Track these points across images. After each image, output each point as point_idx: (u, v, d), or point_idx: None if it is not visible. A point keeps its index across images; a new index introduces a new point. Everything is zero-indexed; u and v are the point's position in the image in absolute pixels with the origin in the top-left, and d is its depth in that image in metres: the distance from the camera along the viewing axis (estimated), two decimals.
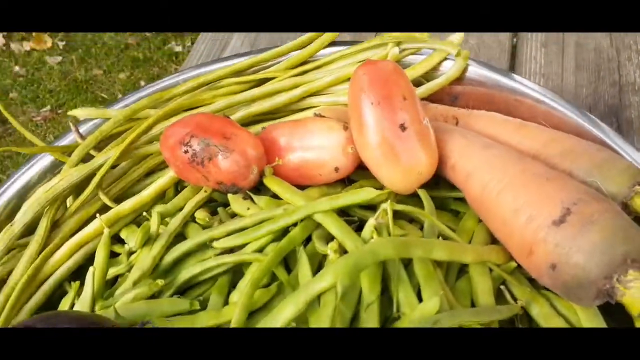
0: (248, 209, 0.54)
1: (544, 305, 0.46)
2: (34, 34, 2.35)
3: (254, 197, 0.54)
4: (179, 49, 2.25)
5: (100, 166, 0.59)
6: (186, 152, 0.54)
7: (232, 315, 0.43)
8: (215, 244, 0.51)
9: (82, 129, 0.67)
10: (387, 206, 0.45)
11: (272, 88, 0.63)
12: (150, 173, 0.64)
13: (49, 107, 2.15)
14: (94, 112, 0.65)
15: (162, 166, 0.64)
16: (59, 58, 2.30)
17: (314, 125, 0.55)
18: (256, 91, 0.63)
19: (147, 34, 2.32)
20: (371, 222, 0.46)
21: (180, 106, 0.63)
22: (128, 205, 0.59)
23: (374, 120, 0.50)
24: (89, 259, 0.56)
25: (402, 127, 0.50)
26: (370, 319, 0.42)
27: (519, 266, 0.47)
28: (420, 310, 0.41)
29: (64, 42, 2.35)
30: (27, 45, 2.33)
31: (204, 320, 0.44)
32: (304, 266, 0.46)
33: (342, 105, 0.62)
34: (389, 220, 0.45)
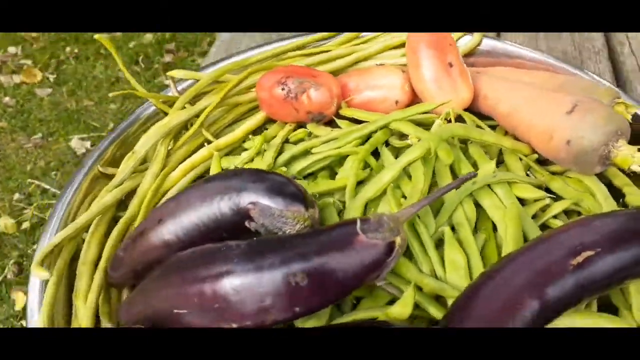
0: (332, 130, 0.70)
1: (559, 181, 0.64)
2: (24, 67, 2.45)
3: (337, 120, 0.71)
4: (168, 82, 2.40)
5: (202, 110, 0.74)
6: (283, 89, 0.71)
7: (346, 181, 0.59)
8: (314, 150, 0.66)
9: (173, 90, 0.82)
10: (449, 110, 0.64)
11: (332, 54, 0.81)
12: (237, 121, 0.79)
13: (40, 134, 2.22)
14: (189, 74, 0.80)
15: (247, 115, 0.79)
16: (49, 90, 2.39)
17: (377, 70, 0.73)
18: (319, 57, 0.81)
19: (137, 68, 2.46)
20: (438, 122, 0.64)
21: (261, 68, 0.79)
22: (224, 140, 0.74)
23: (428, 59, 0.69)
24: (199, 178, 0.71)
25: (450, 65, 0.69)
26: (444, 178, 0.59)
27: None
28: (482, 171, 0.59)
29: (54, 75, 2.45)
30: (17, 79, 2.41)
31: (324, 185, 0.60)
32: (387, 155, 0.63)
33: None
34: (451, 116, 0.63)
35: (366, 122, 0.68)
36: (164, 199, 0.66)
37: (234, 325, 0.44)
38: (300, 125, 0.75)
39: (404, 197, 0.59)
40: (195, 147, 0.75)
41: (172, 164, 0.71)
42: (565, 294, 0.43)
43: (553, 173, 0.66)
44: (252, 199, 0.49)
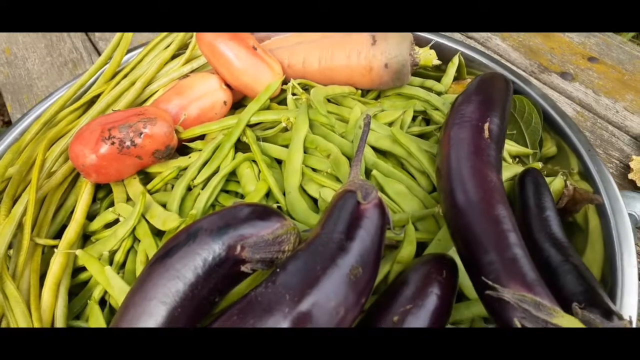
0: (189, 156, 0.64)
1: (386, 101, 0.74)
2: None
3: (191, 145, 0.65)
4: None
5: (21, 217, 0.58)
6: (113, 142, 0.60)
7: (264, 185, 0.57)
8: (195, 181, 0.60)
9: None
10: (292, 83, 0.66)
11: (117, 91, 0.72)
12: (60, 206, 0.64)
13: None
14: None
15: (64, 195, 0.65)
16: None
17: (191, 81, 0.69)
18: (108, 98, 0.70)
19: None
20: (290, 97, 0.66)
21: (47, 140, 0.64)
22: (70, 235, 0.59)
23: (233, 50, 0.68)
24: None
25: (254, 48, 0.70)
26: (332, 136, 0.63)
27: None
28: (355, 115, 0.65)
29: None
30: None
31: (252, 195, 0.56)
32: (275, 148, 0.62)
33: (177, 80, 0.76)
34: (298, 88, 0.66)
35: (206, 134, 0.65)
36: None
37: None
38: (144, 171, 0.66)
39: (314, 169, 0.60)
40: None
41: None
42: None
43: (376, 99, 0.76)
44: (236, 239, 0.44)
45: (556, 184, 0.59)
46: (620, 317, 0.43)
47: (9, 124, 1.84)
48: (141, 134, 0.61)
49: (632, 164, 0.84)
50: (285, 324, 0.38)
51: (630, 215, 0.69)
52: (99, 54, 1.18)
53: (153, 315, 0.42)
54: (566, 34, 1.15)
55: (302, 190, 0.57)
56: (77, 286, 0.59)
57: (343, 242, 0.42)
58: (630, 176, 0.83)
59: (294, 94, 0.68)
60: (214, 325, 0.40)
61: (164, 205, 0.58)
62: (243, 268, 0.44)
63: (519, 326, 0.39)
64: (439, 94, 0.74)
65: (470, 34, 1.15)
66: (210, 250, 0.43)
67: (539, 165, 0.63)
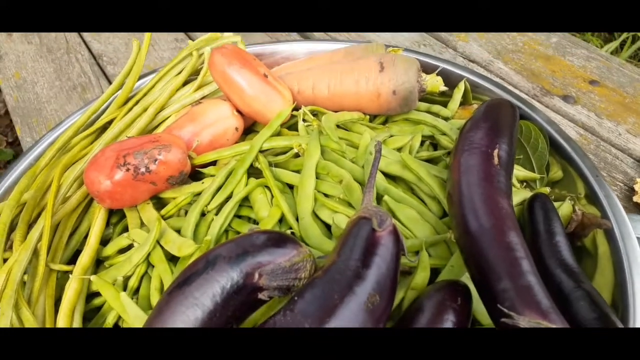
0: (202, 182, 0.65)
1: (394, 127, 0.76)
2: None
3: (204, 170, 0.66)
4: None
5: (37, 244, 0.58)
6: (128, 169, 0.61)
7: (277, 211, 0.57)
8: (209, 207, 0.61)
9: None
10: (303, 110, 0.67)
11: (130, 118, 0.73)
12: (73, 232, 0.64)
13: None
14: None
15: (78, 221, 0.65)
16: None
17: (204, 108, 0.70)
18: (121, 125, 0.72)
19: None
20: (301, 124, 0.67)
21: (62, 165, 0.65)
22: (85, 259, 0.60)
23: (245, 78, 0.70)
24: None
25: (265, 75, 0.72)
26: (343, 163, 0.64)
27: None
28: (365, 142, 0.66)
29: None
30: None
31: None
32: (286, 174, 0.63)
33: (189, 106, 0.77)
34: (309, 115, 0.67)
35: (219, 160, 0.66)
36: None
37: None
38: (157, 197, 0.66)
39: (326, 194, 0.61)
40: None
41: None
42: None
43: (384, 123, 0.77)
44: (254, 267, 0.44)
45: (564, 208, 0.60)
46: None
47: (12, 144, 1.86)
48: (156, 160, 0.62)
49: (636, 187, 0.85)
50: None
51: (638, 239, 0.70)
52: (107, 77, 1.20)
53: None
54: (567, 58, 1.17)
55: (315, 215, 0.58)
56: (91, 311, 0.60)
57: (359, 269, 0.43)
58: (635, 199, 0.84)
59: (304, 121, 0.69)
60: None
61: (177, 231, 0.59)
62: (260, 295, 0.45)
63: None
64: (445, 119, 0.75)
65: (473, 58, 1.17)
66: (228, 278, 0.44)
67: (547, 190, 0.64)
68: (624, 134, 0.97)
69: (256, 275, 0.44)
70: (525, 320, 0.41)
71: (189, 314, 0.43)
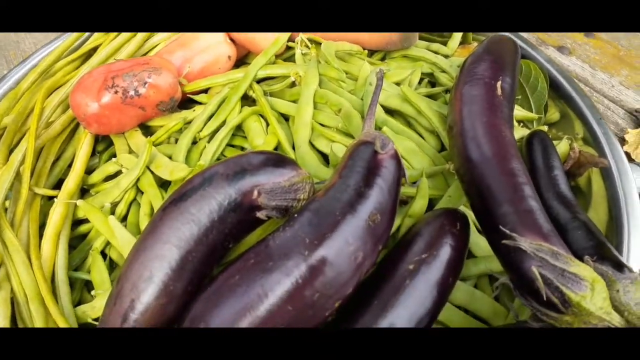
0: (194, 110, 0.63)
1: (392, 63, 0.74)
2: None
3: (196, 97, 0.63)
4: None
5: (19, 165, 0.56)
6: (116, 92, 0.58)
7: (274, 137, 0.56)
8: (201, 134, 0.59)
9: None
10: (301, 37, 0.64)
11: (118, 43, 0.69)
12: (58, 158, 0.62)
13: None
14: None
15: (62, 148, 0.63)
16: None
17: (195, 33, 0.67)
18: (108, 50, 0.68)
19: None
20: (298, 51, 0.64)
21: (45, 89, 0.62)
22: (71, 185, 0.58)
23: None
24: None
25: None
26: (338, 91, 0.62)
27: None
28: (364, 73, 0.64)
29: None
30: None
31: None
32: (283, 102, 0.61)
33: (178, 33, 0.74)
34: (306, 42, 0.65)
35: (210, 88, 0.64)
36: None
37: (338, 304, 0.40)
38: (144, 125, 0.64)
39: (322, 125, 0.59)
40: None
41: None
42: None
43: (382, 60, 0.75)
44: (252, 185, 0.43)
45: (562, 147, 0.60)
46: (631, 270, 0.43)
47: None
48: (145, 83, 0.59)
49: (627, 137, 0.86)
50: (303, 267, 0.38)
51: None
52: None
53: (166, 258, 0.41)
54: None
55: (312, 145, 0.56)
56: (75, 239, 0.58)
57: (361, 189, 0.42)
58: (625, 148, 0.84)
59: (302, 50, 0.67)
60: (232, 268, 0.39)
61: (168, 158, 0.57)
62: (258, 214, 0.44)
63: (537, 274, 0.39)
64: (445, 57, 0.74)
65: None
66: (226, 195, 0.42)
67: (545, 129, 0.63)
68: (616, 86, 0.97)
69: (255, 194, 0.43)
70: (527, 242, 0.40)
71: (185, 230, 0.42)
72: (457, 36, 0.76)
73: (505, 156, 0.47)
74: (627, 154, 0.83)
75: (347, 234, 0.39)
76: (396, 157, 0.46)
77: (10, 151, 0.59)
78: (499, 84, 0.55)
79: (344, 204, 0.41)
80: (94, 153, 0.64)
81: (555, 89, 0.67)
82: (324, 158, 0.57)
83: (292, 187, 0.44)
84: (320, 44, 0.66)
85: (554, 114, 0.68)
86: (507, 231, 0.41)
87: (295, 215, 0.41)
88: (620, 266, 0.44)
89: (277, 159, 0.44)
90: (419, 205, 0.50)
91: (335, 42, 0.67)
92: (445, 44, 0.76)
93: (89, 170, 0.62)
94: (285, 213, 0.45)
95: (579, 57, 1.03)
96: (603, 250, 0.46)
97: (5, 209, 0.56)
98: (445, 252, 0.44)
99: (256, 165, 0.43)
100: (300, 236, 0.39)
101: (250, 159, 0.44)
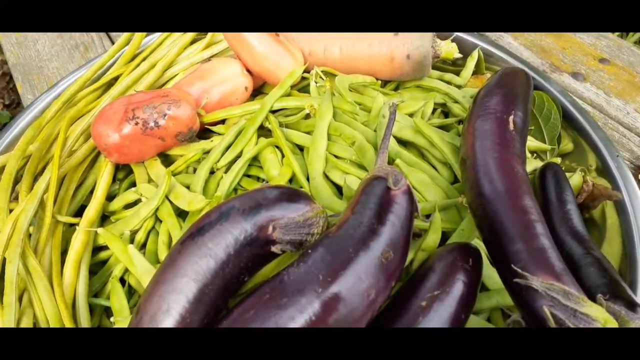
0: (212, 140, 0.64)
1: (405, 93, 0.75)
2: None
3: (214, 128, 0.65)
4: None
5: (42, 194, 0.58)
6: (137, 123, 0.60)
7: (289, 170, 0.57)
8: (219, 164, 0.60)
9: None
10: (316, 70, 0.66)
11: (137, 73, 0.72)
12: (80, 185, 0.64)
13: None
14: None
15: (83, 176, 0.65)
16: None
17: (213, 65, 0.69)
18: (128, 80, 0.70)
19: None
20: (313, 84, 0.66)
21: (68, 119, 0.64)
22: (92, 213, 0.60)
23: (256, 36, 0.68)
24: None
25: (277, 34, 0.70)
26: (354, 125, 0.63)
27: None
28: (378, 105, 0.65)
29: None
30: None
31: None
32: (298, 134, 0.63)
33: (197, 64, 0.76)
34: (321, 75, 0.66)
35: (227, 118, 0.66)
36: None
37: None
38: (164, 154, 0.66)
39: (336, 156, 0.60)
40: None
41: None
42: None
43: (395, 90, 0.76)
44: (268, 220, 0.44)
45: (575, 179, 0.60)
46: None
47: (9, 107, 1.82)
48: (165, 115, 0.61)
49: None
50: (317, 304, 0.38)
51: None
52: (110, 37, 1.17)
53: (184, 292, 0.42)
54: (577, 34, 1.15)
55: (326, 177, 0.57)
56: (95, 265, 0.60)
57: (374, 225, 0.43)
58: None
59: (316, 82, 0.68)
60: (247, 302, 0.40)
61: (186, 187, 0.58)
62: (273, 249, 0.45)
63: (548, 314, 0.39)
64: (458, 87, 0.75)
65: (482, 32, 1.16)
66: (242, 230, 0.43)
67: (558, 160, 0.64)
68: (632, 113, 0.97)
69: (270, 228, 0.44)
70: (538, 281, 0.41)
71: (202, 264, 0.43)
72: (470, 66, 0.77)
73: (517, 192, 0.48)
74: None
75: (360, 271, 0.40)
76: (409, 193, 0.47)
77: (35, 178, 0.61)
78: (511, 118, 0.55)
79: (357, 240, 0.41)
80: (114, 180, 0.66)
81: (567, 120, 0.67)
82: (338, 189, 0.58)
83: (307, 222, 0.45)
84: (335, 76, 0.68)
85: (567, 145, 0.68)
86: (519, 270, 0.42)
87: (309, 250, 0.42)
88: (633, 305, 0.44)
89: (291, 194, 0.46)
90: (432, 239, 0.51)
91: (349, 75, 0.68)
92: (458, 73, 0.77)
93: (109, 197, 0.64)
94: (300, 247, 0.46)
95: (594, 84, 1.03)
96: (616, 288, 0.46)
97: (29, 235, 0.57)
98: (457, 288, 0.45)
99: (271, 200, 0.45)
100: (313, 272, 0.40)
101: (266, 194, 0.45)
